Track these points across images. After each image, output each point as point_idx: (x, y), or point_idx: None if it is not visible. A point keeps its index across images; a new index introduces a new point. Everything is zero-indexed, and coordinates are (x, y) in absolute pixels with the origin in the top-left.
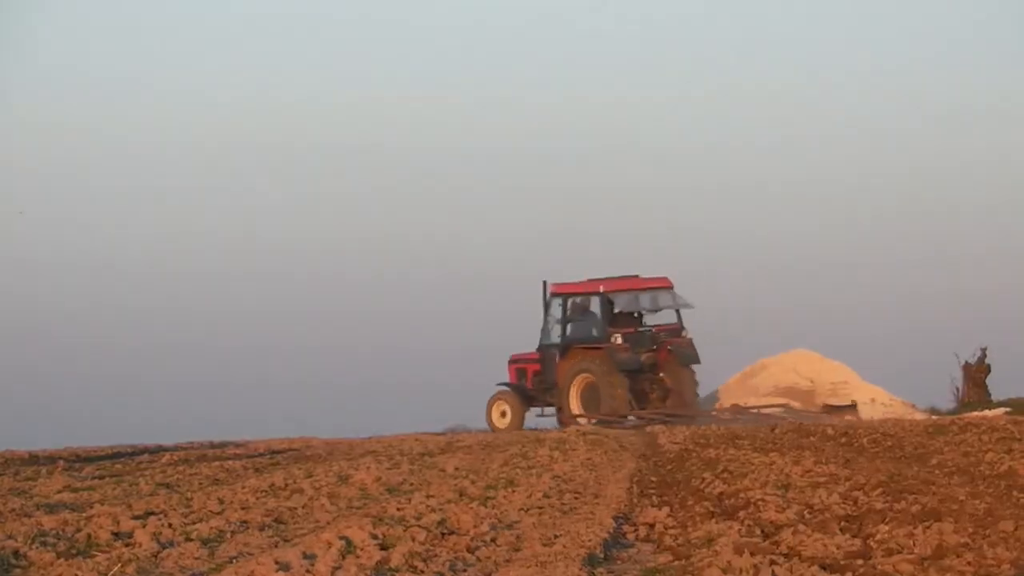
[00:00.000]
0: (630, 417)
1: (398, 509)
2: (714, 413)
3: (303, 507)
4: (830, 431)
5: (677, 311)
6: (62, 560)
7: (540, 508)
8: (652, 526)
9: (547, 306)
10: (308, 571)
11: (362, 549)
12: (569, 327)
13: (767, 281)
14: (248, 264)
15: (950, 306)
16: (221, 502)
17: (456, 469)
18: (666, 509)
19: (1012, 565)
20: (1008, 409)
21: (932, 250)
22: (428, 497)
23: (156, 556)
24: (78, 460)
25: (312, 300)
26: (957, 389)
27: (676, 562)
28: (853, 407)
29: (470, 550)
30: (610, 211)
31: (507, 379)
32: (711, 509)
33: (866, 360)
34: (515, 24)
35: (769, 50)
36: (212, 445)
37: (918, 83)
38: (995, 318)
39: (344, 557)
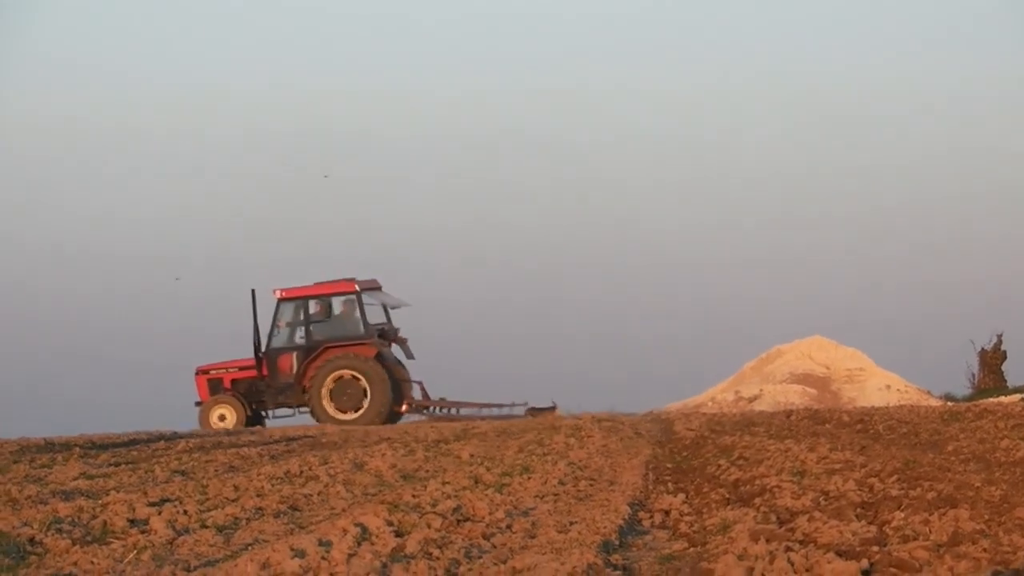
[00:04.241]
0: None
1: (413, 496)
2: (431, 410)
3: (318, 494)
4: (845, 418)
5: (387, 311)
6: (78, 547)
7: (555, 495)
8: (667, 513)
9: (276, 311)
10: (323, 558)
11: (377, 536)
12: (313, 328)
13: (782, 269)
14: (256, 255)
15: (966, 293)
16: (236, 489)
17: (471, 456)
18: (681, 496)
19: None
20: None
21: (948, 237)
22: (443, 484)
23: (171, 543)
24: (94, 447)
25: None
26: (973, 375)
27: (691, 549)
28: (553, 408)
29: (485, 537)
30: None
31: (197, 392)
32: (726, 496)
33: (881, 346)
34: None
35: (782, 38)
36: (227, 432)
37: (930, 72)
38: (1011, 304)
39: (359, 544)
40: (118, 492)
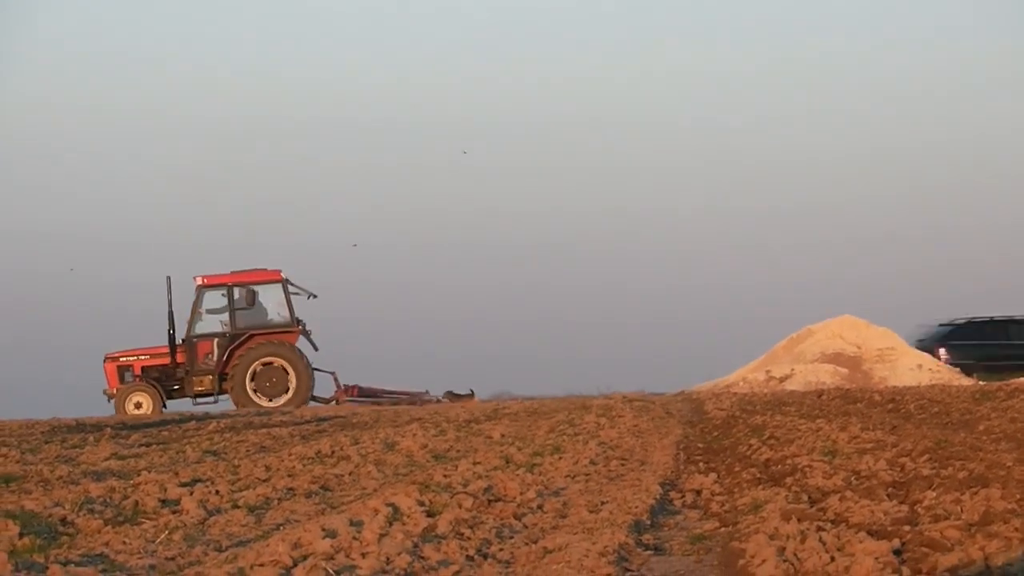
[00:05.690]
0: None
1: (444, 476)
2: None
3: (349, 474)
4: (877, 398)
5: (290, 303)
6: (109, 527)
7: (586, 475)
8: (699, 492)
9: (196, 298)
10: (355, 538)
11: (409, 516)
12: (238, 315)
13: (812, 249)
14: (276, 239)
15: (997, 272)
16: (268, 469)
17: (502, 436)
18: (713, 475)
19: None
20: None
21: (979, 217)
22: (474, 464)
23: (203, 523)
24: (125, 428)
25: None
26: None
27: (723, 528)
28: (471, 395)
29: (516, 517)
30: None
31: (106, 379)
32: (758, 475)
33: (912, 326)
34: None
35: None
36: (258, 412)
37: (945, 56)
38: None
39: (391, 524)
40: (149, 472)
